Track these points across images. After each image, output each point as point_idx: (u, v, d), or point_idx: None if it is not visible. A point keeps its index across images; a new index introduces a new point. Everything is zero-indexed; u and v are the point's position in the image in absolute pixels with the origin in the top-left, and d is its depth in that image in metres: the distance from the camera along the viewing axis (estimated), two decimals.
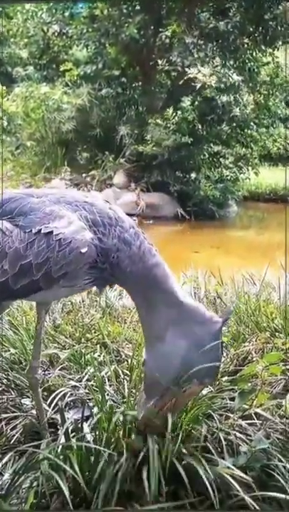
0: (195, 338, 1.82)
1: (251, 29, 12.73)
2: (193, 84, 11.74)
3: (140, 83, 14.06)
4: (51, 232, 1.77)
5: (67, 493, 1.70)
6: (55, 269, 1.77)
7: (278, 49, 13.42)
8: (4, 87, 14.81)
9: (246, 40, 12.97)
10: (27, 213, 1.82)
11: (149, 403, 1.89)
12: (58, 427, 2.20)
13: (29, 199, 1.87)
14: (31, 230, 1.78)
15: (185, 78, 11.93)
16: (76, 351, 2.78)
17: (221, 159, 13.78)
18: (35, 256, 1.76)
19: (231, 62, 12.89)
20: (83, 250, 1.77)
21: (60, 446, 1.86)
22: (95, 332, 3.14)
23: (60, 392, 2.38)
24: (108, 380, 2.53)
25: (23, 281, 1.78)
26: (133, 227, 1.90)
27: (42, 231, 1.77)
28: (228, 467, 1.79)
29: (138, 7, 12.58)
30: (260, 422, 2.13)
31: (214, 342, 1.82)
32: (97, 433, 1.94)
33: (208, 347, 1.81)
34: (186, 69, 11.86)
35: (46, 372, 2.66)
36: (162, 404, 1.87)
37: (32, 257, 1.77)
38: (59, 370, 2.65)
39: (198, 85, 11.65)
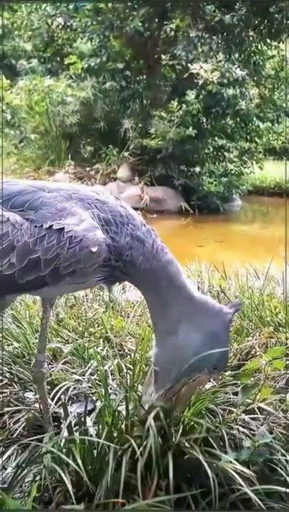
0: (207, 330, 1.86)
1: (256, 22, 12.65)
2: (195, 80, 11.71)
3: (144, 76, 14.01)
4: (62, 228, 1.75)
5: (69, 486, 1.70)
6: (63, 265, 1.75)
7: (284, 42, 13.34)
8: (8, 80, 14.81)
9: (251, 33, 12.89)
10: (38, 208, 1.80)
11: (158, 394, 1.90)
12: (61, 420, 2.21)
13: (41, 193, 1.84)
14: (42, 225, 1.76)
15: (188, 73, 11.89)
16: (79, 345, 2.78)
17: (225, 153, 13.73)
18: (45, 251, 1.75)
19: (236, 56, 12.83)
20: (94, 249, 1.76)
21: (63, 440, 1.87)
22: (98, 326, 3.14)
23: (64, 386, 2.38)
24: (111, 374, 2.53)
25: (30, 276, 1.77)
26: (144, 224, 1.90)
27: (53, 227, 1.75)
28: (231, 461, 1.79)
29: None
30: (263, 416, 2.13)
31: (225, 332, 1.87)
32: (100, 427, 1.94)
33: (220, 337, 1.85)
34: (189, 64, 11.82)
35: (49, 366, 2.66)
36: (172, 394, 1.89)
37: (41, 253, 1.75)
38: (62, 364, 2.65)
39: (201, 81, 11.62)
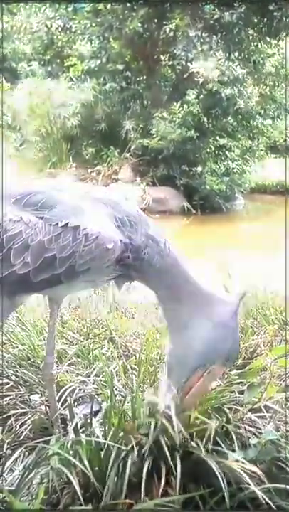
0: (217, 320, 1.87)
1: (256, 20, 12.63)
2: (196, 79, 11.71)
3: (144, 77, 14.02)
4: (78, 226, 1.75)
5: (77, 487, 1.70)
6: (79, 263, 1.76)
7: (283, 40, 13.32)
8: (9, 83, 14.84)
9: (251, 32, 12.87)
10: (52, 206, 1.80)
11: (173, 390, 1.90)
12: (67, 422, 2.21)
13: (54, 192, 1.85)
14: (57, 224, 1.76)
15: (189, 72, 11.89)
16: (84, 347, 2.78)
17: (227, 152, 13.72)
18: (60, 249, 1.75)
19: (236, 55, 12.81)
20: (109, 246, 1.76)
21: (70, 442, 1.87)
22: (102, 327, 3.13)
23: (69, 387, 2.38)
24: (116, 375, 2.53)
25: (45, 274, 1.77)
26: (154, 225, 1.92)
27: (69, 225, 1.76)
28: (238, 460, 1.78)
29: (141, 0, 12.51)
30: (270, 414, 2.12)
31: (234, 321, 1.88)
32: (106, 428, 1.94)
33: (229, 326, 1.87)
34: (189, 63, 11.82)
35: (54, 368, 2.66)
36: (188, 388, 1.89)
37: (56, 251, 1.75)
38: (67, 365, 2.65)
39: (201, 80, 11.61)
